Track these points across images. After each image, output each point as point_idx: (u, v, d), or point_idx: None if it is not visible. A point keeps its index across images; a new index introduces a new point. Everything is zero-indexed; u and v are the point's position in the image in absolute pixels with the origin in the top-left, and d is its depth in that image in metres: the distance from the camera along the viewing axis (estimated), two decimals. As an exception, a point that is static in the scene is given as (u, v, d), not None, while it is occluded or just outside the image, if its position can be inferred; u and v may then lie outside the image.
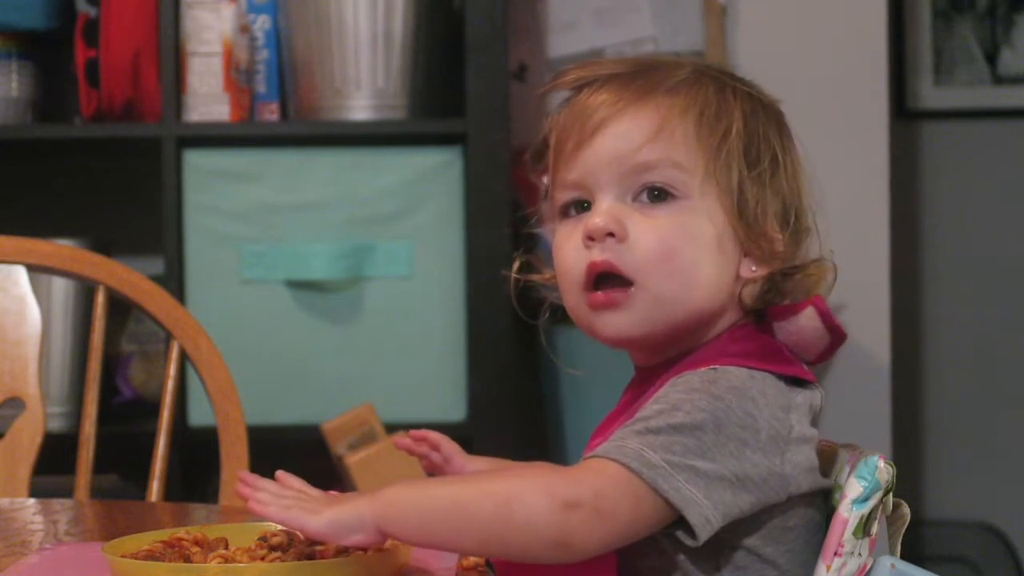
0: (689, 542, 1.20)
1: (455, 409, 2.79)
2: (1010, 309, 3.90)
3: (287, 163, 2.79)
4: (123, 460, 2.72)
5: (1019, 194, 3.91)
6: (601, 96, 1.31)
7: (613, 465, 1.18)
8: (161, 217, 2.77)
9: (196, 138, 2.81)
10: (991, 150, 3.92)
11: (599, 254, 1.28)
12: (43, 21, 2.89)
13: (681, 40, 3.11)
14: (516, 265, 1.42)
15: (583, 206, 1.31)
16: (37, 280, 2.01)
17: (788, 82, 1.71)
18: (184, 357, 1.95)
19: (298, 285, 2.79)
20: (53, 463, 2.03)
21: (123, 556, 1.22)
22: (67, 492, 1.92)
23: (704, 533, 1.19)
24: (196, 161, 2.78)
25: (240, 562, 1.21)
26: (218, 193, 2.78)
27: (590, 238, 1.28)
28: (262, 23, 2.88)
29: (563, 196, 1.33)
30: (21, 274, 1.98)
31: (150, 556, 1.23)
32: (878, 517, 1.27)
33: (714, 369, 1.24)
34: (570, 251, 1.31)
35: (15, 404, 1.95)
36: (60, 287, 2.81)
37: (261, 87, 2.89)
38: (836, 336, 1.29)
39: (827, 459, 1.30)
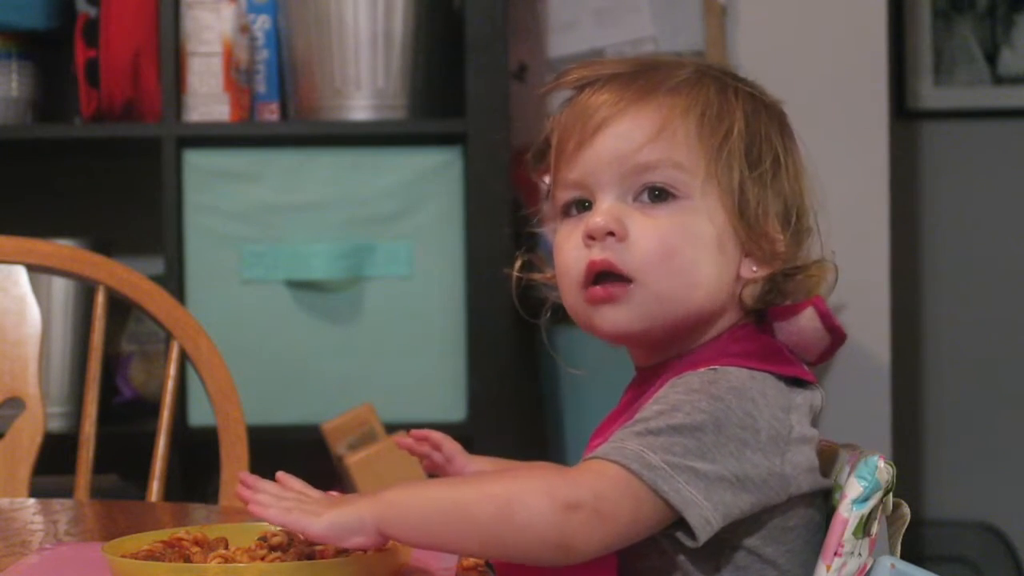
0: (689, 543, 1.20)
1: (455, 409, 2.79)
2: (1010, 309, 3.90)
3: (287, 163, 2.79)
4: (123, 460, 2.72)
5: (1019, 194, 3.91)
6: (602, 96, 1.31)
7: (613, 467, 1.18)
8: (161, 217, 2.77)
9: (196, 138, 2.81)
10: (991, 150, 3.92)
11: (599, 253, 1.28)
12: (43, 21, 2.89)
13: (681, 40, 3.11)
14: (518, 264, 1.42)
15: (584, 205, 1.31)
16: (37, 280, 2.01)
17: (788, 82, 1.71)
18: (184, 357, 1.95)
19: (298, 285, 2.79)
20: (53, 463, 2.03)
21: (123, 556, 1.22)
22: (67, 492, 1.92)
23: (704, 534, 1.19)
24: (196, 161, 2.78)
25: (240, 562, 1.21)
26: (218, 193, 2.78)
27: (590, 237, 1.28)
28: (262, 23, 2.88)
29: (564, 195, 1.33)
30: (21, 274, 1.98)
31: (150, 556, 1.23)
32: (878, 517, 1.27)
33: (714, 370, 1.24)
34: (570, 250, 1.31)
35: (15, 404, 1.95)
36: (60, 287, 2.81)
37: (261, 87, 2.88)
38: (836, 337, 1.29)
39: (827, 459, 1.30)
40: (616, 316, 1.29)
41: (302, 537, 1.20)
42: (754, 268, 1.30)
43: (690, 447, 1.19)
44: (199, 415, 2.74)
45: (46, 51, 2.96)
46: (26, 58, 2.91)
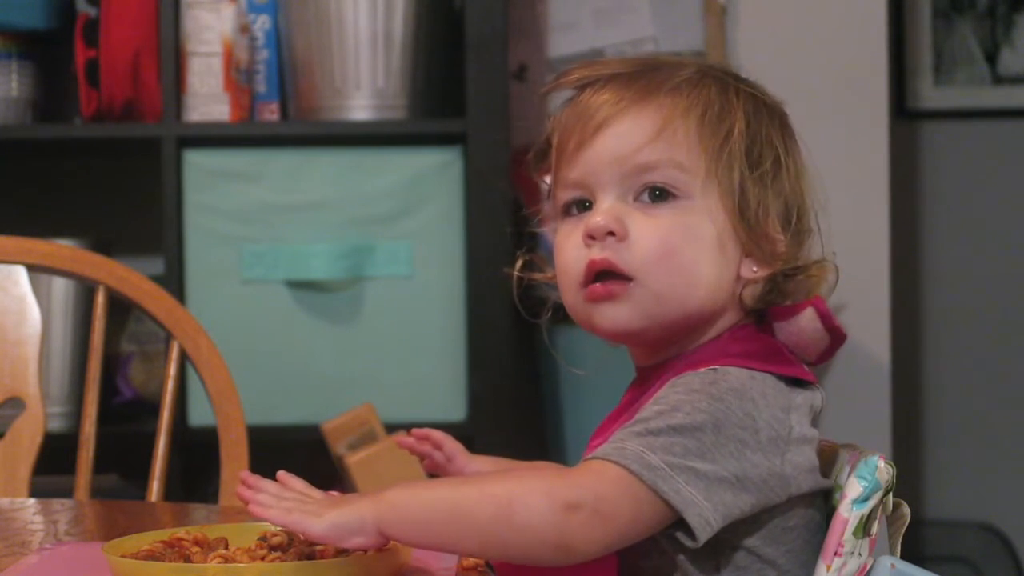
0: (689, 543, 1.20)
1: (455, 409, 2.79)
2: (1010, 309, 3.90)
3: (287, 163, 2.79)
4: (123, 460, 2.72)
5: (1019, 194, 3.91)
6: (603, 96, 1.31)
7: (613, 467, 1.18)
8: (161, 217, 2.77)
9: (196, 138, 2.81)
10: (991, 150, 3.92)
11: (599, 252, 1.28)
12: (43, 21, 2.89)
13: (681, 40, 3.11)
14: (519, 264, 1.42)
15: (585, 205, 1.31)
16: (37, 280, 2.01)
17: (788, 82, 1.71)
18: (184, 357, 1.95)
19: (298, 285, 2.79)
20: (53, 463, 2.03)
21: (123, 556, 1.22)
22: (67, 492, 1.92)
23: (704, 534, 1.19)
24: (196, 161, 2.78)
25: (240, 562, 1.21)
26: (218, 193, 2.77)
27: (590, 237, 1.28)
28: (262, 23, 2.88)
29: (565, 195, 1.33)
30: (21, 274, 1.98)
31: (150, 556, 1.23)
32: (878, 517, 1.27)
33: (714, 370, 1.24)
34: (570, 249, 1.31)
35: (15, 404, 1.95)
36: (60, 287, 2.81)
37: (261, 87, 2.88)
38: (836, 337, 1.29)
39: (827, 459, 1.30)
40: (616, 314, 1.29)
41: (303, 537, 1.20)
42: (754, 268, 1.30)
43: (690, 447, 1.19)
44: (199, 415, 2.74)
45: (46, 51, 2.96)
46: (26, 58, 2.91)
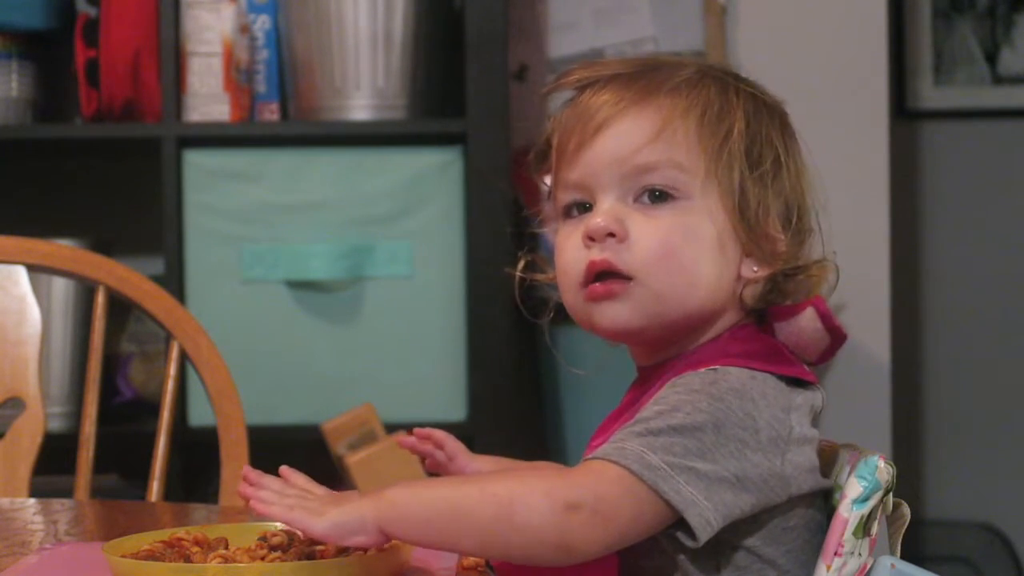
0: (689, 543, 1.20)
1: (455, 409, 2.79)
2: (1010, 309, 3.90)
3: (287, 163, 2.79)
4: (123, 460, 2.72)
5: (1019, 194, 3.91)
6: (603, 96, 1.31)
7: (613, 467, 1.18)
8: (161, 217, 2.77)
9: (196, 138, 2.81)
10: (991, 150, 3.92)
11: (599, 253, 1.28)
12: (43, 21, 2.89)
13: (681, 40, 3.11)
14: (520, 264, 1.42)
15: (585, 207, 1.31)
16: (37, 280, 2.01)
17: (788, 82, 1.71)
18: (184, 357, 1.95)
19: (298, 285, 2.79)
20: (53, 463, 2.03)
21: (123, 556, 1.22)
22: (67, 492, 1.92)
23: (704, 534, 1.19)
24: (196, 161, 2.78)
25: (240, 562, 1.21)
26: (218, 193, 2.77)
27: (590, 238, 1.28)
28: (262, 23, 2.88)
29: (565, 197, 1.33)
30: (21, 274, 1.98)
31: (150, 556, 1.23)
32: (878, 517, 1.27)
33: (714, 370, 1.24)
34: (570, 250, 1.31)
35: (15, 404, 1.95)
36: (60, 287, 2.81)
37: (261, 87, 2.88)
38: (836, 337, 1.29)
39: (827, 459, 1.30)
40: (615, 312, 1.29)
41: (303, 536, 1.20)
42: (755, 268, 1.30)
43: (690, 447, 1.19)
44: (199, 415, 2.74)
45: (46, 51, 2.96)
46: (26, 58, 2.91)
